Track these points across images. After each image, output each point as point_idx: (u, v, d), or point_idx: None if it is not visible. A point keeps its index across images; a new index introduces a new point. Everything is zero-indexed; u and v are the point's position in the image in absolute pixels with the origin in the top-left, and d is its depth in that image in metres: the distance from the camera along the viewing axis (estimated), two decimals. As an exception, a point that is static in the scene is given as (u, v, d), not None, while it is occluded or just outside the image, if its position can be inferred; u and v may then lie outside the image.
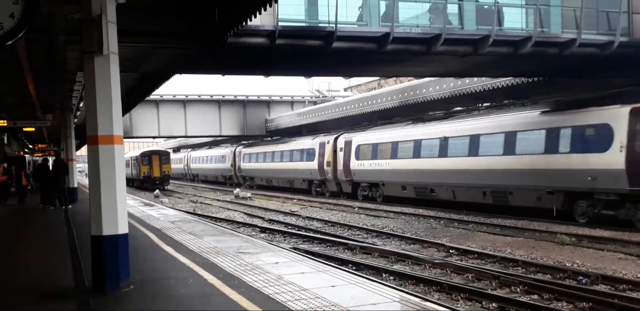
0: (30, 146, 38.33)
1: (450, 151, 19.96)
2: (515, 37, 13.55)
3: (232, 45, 11.42)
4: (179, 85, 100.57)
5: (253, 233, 15.88)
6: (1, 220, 16.18)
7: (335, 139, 28.20)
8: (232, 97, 38.28)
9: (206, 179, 52.37)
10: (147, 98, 23.56)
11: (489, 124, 18.61)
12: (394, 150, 23.23)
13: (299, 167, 31.43)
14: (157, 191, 34.71)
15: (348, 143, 26.84)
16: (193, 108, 36.69)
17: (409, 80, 28.21)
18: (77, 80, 13.66)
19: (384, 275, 9.96)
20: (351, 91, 47.41)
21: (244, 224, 18.14)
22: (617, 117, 14.35)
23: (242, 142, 44.94)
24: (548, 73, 17.36)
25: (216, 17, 9.21)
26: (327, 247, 13.25)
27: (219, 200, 29.31)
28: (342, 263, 10.80)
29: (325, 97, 42.48)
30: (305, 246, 13.36)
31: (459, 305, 8.11)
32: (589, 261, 10.84)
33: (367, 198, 25.78)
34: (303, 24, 13.06)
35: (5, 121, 17.90)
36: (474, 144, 18.83)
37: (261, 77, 19.71)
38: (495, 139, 17.99)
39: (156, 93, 29.62)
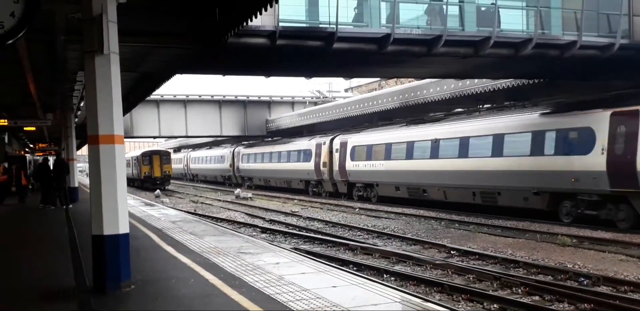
0: (31, 145, 38.34)
1: (442, 153, 20.40)
2: (516, 38, 13.53)
3: (233, 45, 11.41)
4: (180, 85, 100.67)
5: (254, 233, 15.87)
6: (2, 219, 16.17)
7: (331, 140, 28.57)
8: (233, 97, 38.31)
9: (205, 179, 52.55)
10: (148, 98, 23.60)
11: (478, 127, 19.08)
12: (388, 151, 23.65)
13: (296, 168, 31.76)
14: (157, 191, 34.72)
15: (343, 145, 27.22)
16: (194, 108, 36.70)
17: (409, 82, 28.20)
18: (77, 79, 13.67)
19: (385, 276, 9.95)
20: (352, 92, 47.42)
21: (245, 224, 18.13)
22: (599, 120, 14.81)
23: (242, 143, 45.01)
24: (549, 75, 17.35)
25: (217, 18, 9.21)
26: (328, 248, 13.23)
27: (219, 200, 29.31)
28: (343, 263, 10.79)
29: (326, 97, 42.52)
30: (306, 246, 13.35)
31: (460, 306, 8.09)
32: (590, 262, 10.82)
33: (362, 198, 26.12)
34: (304, 25, 13.04)
35: (5, 120, 17.90)
36: (463, 146, 19.29)
37: (262, 78, 19.73)
38: (484, 141, 18.47)
39: (157, 93, 29.67)
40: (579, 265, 10.61)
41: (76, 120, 21.63)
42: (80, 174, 33.29)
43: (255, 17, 9.07)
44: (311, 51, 12.66)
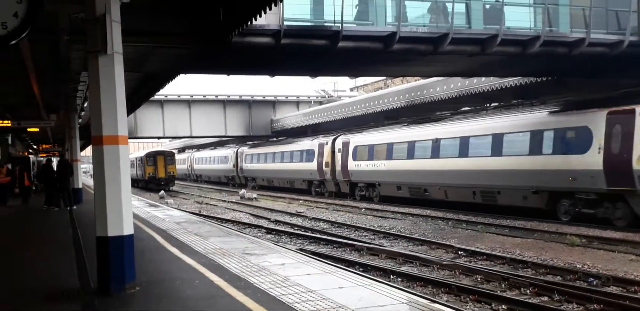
0: (35, 146, 38.43)
1: (442, 152, 20.61)
2: (523, 36, 13.44)
3: (237, 44, 11.36)
4: (184, 85, 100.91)
5: (259, 234, 15.81)
6: (6, 221, 16.17)
7: (334, 140, 28.75)
8: (237, 97, 38.29)
9: (209, 180, 52.76)
10: (152, 98, 23.54)
11: (478, 126, 19.27)
12: (389, 151, 23.83)
13: (299, 168, 31.95)
14: (162, 192, 34.75)
15: (346, 145, 27.40)
16: (198, 108, 36.69)
17: (415, 80, 28.14)
18: (81, 80, 13.65)
19: (391, 277, 9.87)
20: (357, 91, 47.38)
21: (250, 225, 18.08)
22: (595, 119, 15.00)
23: (246, 143, 45.09)
24: (557, 73, 17.25)
25: (221, 17, 9.15)
26: (334, 248, 13.16)
27: (224, 201, 29.28)
28: (349, 264, 10.72)
29: (331, 97, 42.43)
30: (311, 247, 13.28)
31: (467, 307, 8.02)
32: (600, 262, 10.72)
33: (364, 198, 26.28)
34: (309, 24, 12.99)
35: (9, 121, 17.90)
36: (464, 146, 19.51)
37: (266, 77, 19.72)
38: (484, 141, 18.69)
39: (161, 94, 29.64)
40: (588, 265, 10.51)
41: (80, 120, 21.63)
42: (84, 175, 33.38)
43: (260, 16, 9.02)
44: (316, 50, 12.60)
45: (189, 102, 36.68)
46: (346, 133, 28.63)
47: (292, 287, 6.33)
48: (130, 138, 20.11)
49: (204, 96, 37.46)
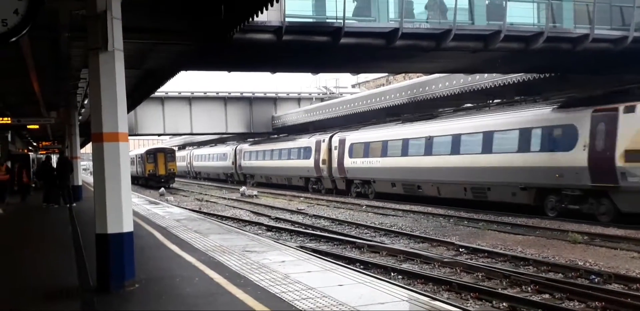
0: (35, 144, 38.40)
1: (435, 150, 21.04)
2: (526, 32, 13.36)
3: (239, 41, 11.30)
4: (185, 81, 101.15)
5: (259, 231, 15.79)
6: (6, 218, 16.15)
7: (330, 138, 29.04)
8: (239, 94, 38.22)
9: (208, 177, 53.03)
10: (152, 95, 23.52)
11: (469, 124, 19.70)
12: (384, 148, 24.28)
13: (296, 165, 32.29)
14: (162, 189, 34.70)
15: (342, 142, 27.76)
16: (199, 105, 36.63)
17: (418, 77, 28.05)
18: (81, 77, 13.61)
19: (392, 274, 9.84)
20: (359, 88, 47.26)
21: (250, 222, 18.05)
22: (581, 118, 15.43)
23: (245, 140, 45.16)
24: (560, 69, 17.19)
25: (222, 14, 9.09)
26: (334, 246, 13.13)
27: (224, 198, 29.26)
28: (349, 262, 10.67)
29: (333, 93, 42.35)
30: (312, 244, 13.25)
31: (468, 305, 7.98)
32: (602, 260, 10.68)
33: (360, 194, 26.60)
34: (310, 20, 12.92)
35: (9, 118, 17.86)
36: (455, 143, 19.94)
37: (267, 74, 19.67)
38: (475, 138, 19.13)
39: (161, 90, 29.61)
40: (590, 262, 10.47)
41: (80, 118, 21.61)
42: (84, 172, 33.38)
43: (262, 13, 8.96)
44: (318, 46, 12.54)
45: (190, 99, 36.61)
46: (342, 131, 28.93)
47: (293, 285, 6.31)
48: (130, 135, 20.11)
49: (205, 93, 37.38)
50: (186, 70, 16.27)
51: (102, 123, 6.16)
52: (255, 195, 29.64)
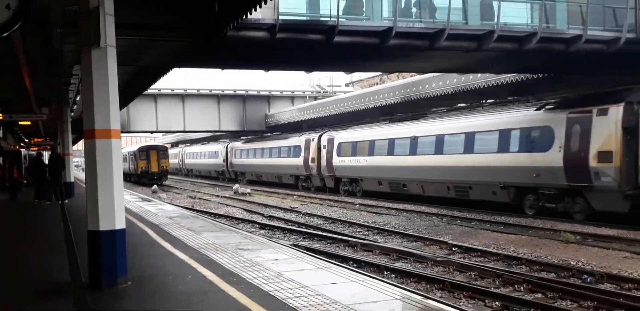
0: (26, 140, 38.14)
1: (419, 149, 21.57)
2: (520, 32, 13.38)
3: (232, 39, 11.25)
4: (178, 79, 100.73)
5: (252, 229, 15.75)
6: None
7: (319, 137, 29.42)
8: (232, 92, 38.13)
9: (200, 174, 53.13)
10: (145, 92, 23.41)
11: (452, 125, 20.20)
12: (371, 147, 24.75)
13: (287, 163, 32.74)
14: (155, 186, 34.57)
15: (331, 141, 28.22)
16: (192, 102, 36.51)
17: (411, 76, 28.07)
18: (73, 73, 13.53)
19: (385, 273, 9.85)
20: (353, 86, 47.28)
21: (243, 220, 18.02)
22: (557, 120, 15.95)
23: (235, 138, 45.18)
24: (554, 69, 17.25)
25: (215, 11, 9.05)
26: (327, 244, 13.13)
27: (217, 196, 29.19)
28: (342, 260, 10.68)
29: (327, 92, 42.39)
30: (305, 243, 13.24)
31: (461, 304, 7.99)
32: (594, 259, 10.72)
33: (348, 192, 27.00)
34: (304, 18, 12.88)
35: (0, 114, 17.71)
36: (439, 143, 20.46)
37: (261, 72, 19.70)
38: (457, 138, 19.65)
39: (154, 87, 29.47)
40: (583, 262, 10.50)
41: (72, 114, 21.48)
42: (76, 169, 33.21)
43: (255, 10, 8.94)
44: (312, 45, 12.51)
45: (183, 96, 36.47)
46: (331, 130, 29.32)
47: (285, 283, 6.30)
48: (122, 132, 19.99)
49: (198, 90, 37.28)
50: (179, 67, 16.20)
51: (94, 119, 6.13)
52: (249, 193, 29.59)
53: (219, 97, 37.25)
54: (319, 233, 14.55)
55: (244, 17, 9.21)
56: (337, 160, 27.37)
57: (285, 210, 21.25)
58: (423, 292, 8.03)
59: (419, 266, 10.56)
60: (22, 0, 4.90)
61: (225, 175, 44.85)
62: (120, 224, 6.19)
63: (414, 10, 13.48)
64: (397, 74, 35.19)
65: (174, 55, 13.18)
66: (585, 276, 9.29)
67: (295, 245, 11.68)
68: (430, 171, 20.64)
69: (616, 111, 14.46)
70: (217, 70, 18.61)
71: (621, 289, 8.63)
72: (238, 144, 42.20)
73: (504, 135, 17.63)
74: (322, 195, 27.41)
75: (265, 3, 8.52)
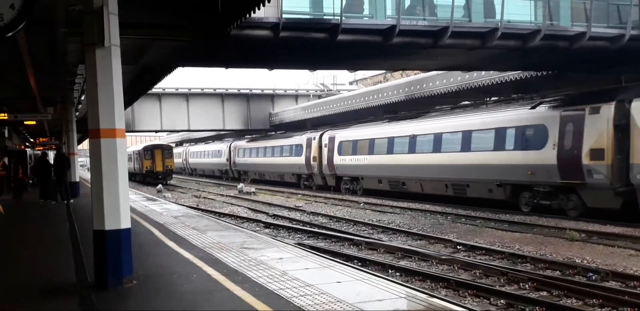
0: (32, 140, 38.24)
1: (418, 148, 21.91)
2: (523, 30, 13.34)
3: (236, 37, 11.26)
4: (182, 78, 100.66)
5: (257, 228, 15.78)
6: (3, 215, 16.07)
7: (321, 135, 29.71)
8: (236, 91, 38.11)
9: (204, 173, 53.34)
10: (150, 91, 23.46)
11: (450, 124, 20.53)
12: (371, 146, 25.06)
13: (289, 162, 33.05)
14: (159, 185, 34.66)
15: (332, 140, 28.52)
16: (196, 101, 36.53)
17: (415, 74, 28.04)
18: (78, 72, 13.53)
19: (390, 271, 9.84)
20: (357, 85, 47.24)
21: (248, 219, 18.04)
22: (551, 118, 16.24)
23: (239, 137, 45.24)
24: (557, 67, 17.20)
25: (219, 9, 9.05)
26: (332, 243, 13.14)
27: (222, 195, 29.23)
28: (347, 259, 10.68)
29: (330, 90, 42.31)
30: (310, 241, 13.25)
31: (466, 302, 7.99)
32: (599, 257, 10.70)
33: (349, 191, 27.36)
34: (307, 16, 12.88)
35: (5, 114, 17.75)
36: (437, 142, 20.82)
37: (265, 70, 19.68)
38: (455, 137, 19.94)
39: (158, 87, 29.50)
40: (588, 259, 10.49)
41: (77, 113, 21.50)
42: (81, 169, 33.29)
43: (259, 9, 8.92)
44: (315, 43, 12.51)
45: (187, 95, 36.49)
46: (333, 129, 29.55)
47: (290, 281, 6.31)
48: (127, 131, 20.02)
49: (202, 89, 37.27)
50: (183, 66, 16.21)
51: (99, 119, 6.13)
52: (253, 192, 29.63)
53: (223, 96, 37.27)
54: (324, 231, 14.56)
55: (248, 15, 9.20)
56: (338, 159, 27.65)
57: (289, 208, 21.26)
58: (428, 290, 8.04)
59: (423, 264, 10.57)
60: (26, 0, 4.90)
61: (229, 174, 45.05)
62: (125, 223, 6.20)
63: (413, 6, 13.46)
64: (401, 72, 35.14)
65: (175, 54, 13.19)
66: (591, 274, 9.26)
67: (299, 244, 11.70)
68: (429, 169, 20.94)
69: (608, 110, 14.68)
70: (221, 70, 18.65)
71: (626, 287, 8.61)
72: (241, 143, 42.38)
73: (500, 134, 17.91)
74: (326, 194, 27.42)
75: (269, 2, 8.52)
